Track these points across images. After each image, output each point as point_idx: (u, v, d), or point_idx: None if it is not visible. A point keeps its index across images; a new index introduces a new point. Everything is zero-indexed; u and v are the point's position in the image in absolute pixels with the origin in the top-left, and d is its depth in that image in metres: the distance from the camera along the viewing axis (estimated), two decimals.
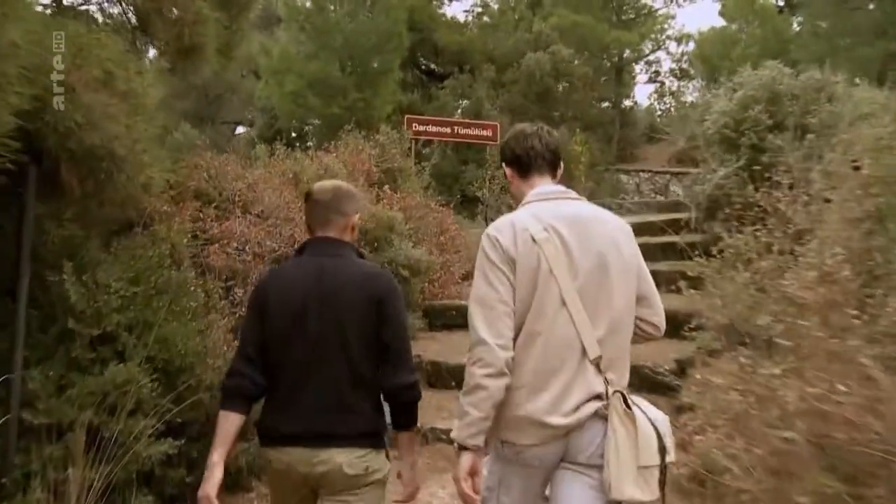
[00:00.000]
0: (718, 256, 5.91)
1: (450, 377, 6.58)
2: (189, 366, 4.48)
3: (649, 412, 2.45)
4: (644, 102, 32.82)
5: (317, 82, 16.73)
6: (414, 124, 15.22)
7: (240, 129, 23.03)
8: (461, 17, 25.12)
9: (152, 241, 4.64)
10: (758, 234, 5.69)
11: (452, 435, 2.52)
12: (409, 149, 12.11)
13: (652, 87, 35.33)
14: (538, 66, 17.99)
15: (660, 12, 23.74)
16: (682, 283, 5.85)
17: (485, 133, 15.54)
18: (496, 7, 24.75)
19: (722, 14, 26.73)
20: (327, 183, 2.97)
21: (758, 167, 8.49)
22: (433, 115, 17.31)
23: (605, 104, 22.93)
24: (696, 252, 6.86)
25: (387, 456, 2.77)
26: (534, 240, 2.46)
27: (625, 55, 23.41)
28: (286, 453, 2.64)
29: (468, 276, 10.22)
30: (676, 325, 5.89)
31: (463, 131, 15.69)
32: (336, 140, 10.37)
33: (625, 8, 22.49)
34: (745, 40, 23.61)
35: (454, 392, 6.47)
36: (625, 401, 2.41)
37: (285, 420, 2.65)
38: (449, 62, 20.80)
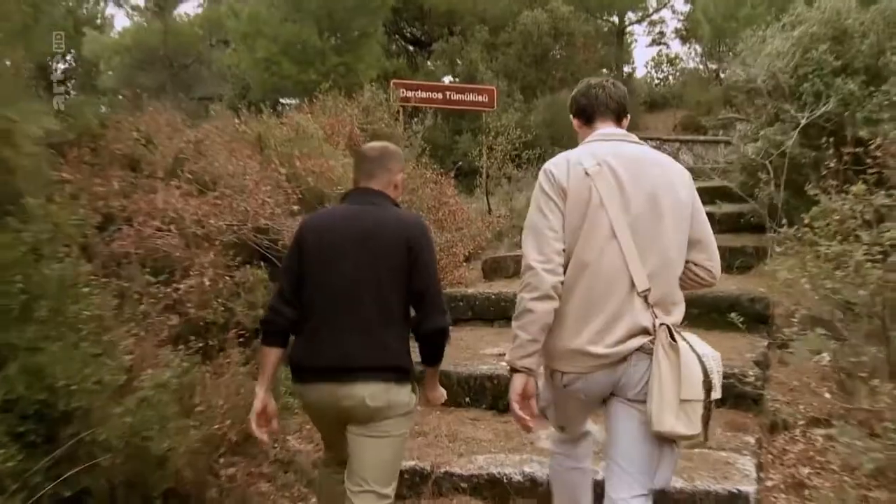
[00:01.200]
0: (803, 229, 4.96)
1: (463, 391, 5.03)
2: (79, 411, 2.91)
3: (698, 347, 2.47)
4: (642, 71, 31.13)
5: (291, 47, 15.02)
6: (401, 90, 13.62)
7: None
8: None
9: (22, 222, 3.04)
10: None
11: (505, 358, 2.85)
12: (398, 114, 10.47)
13: (651, 54, 33.62)
14: (536, 25, 16.31)
15: None
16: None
17: (480, 98, 13.86)
18: None
19: None
20: (377, 143, 3.13)
21: (824, 120, 7.00)
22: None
23: (605, 71, 21.29)
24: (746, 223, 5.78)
25: (413, 390, 2.86)
26: (586, 173, 2.52)
27: (626, 15, 21.72)
28: (314, 389, 2.80)
29: (472, 258, 8.83)
30: (732, 312, 5.38)
31: (456, 97, 13.99)
32: (312, 101, 8.75)
33: None
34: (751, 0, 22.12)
35: (470, 412, 4.98)
36: (671, 334, 2.45)
37: (314, 355, 2.78)
38: (437, 25, 18.96)
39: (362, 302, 2.75)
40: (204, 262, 4.29)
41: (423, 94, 14.05)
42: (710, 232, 2.65)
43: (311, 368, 2.80)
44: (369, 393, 2.70)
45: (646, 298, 2.47)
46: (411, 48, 21.81)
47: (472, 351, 5.74)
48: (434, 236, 7.19)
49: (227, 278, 4.48)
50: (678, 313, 2.57)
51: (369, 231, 2.79)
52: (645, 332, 2.47)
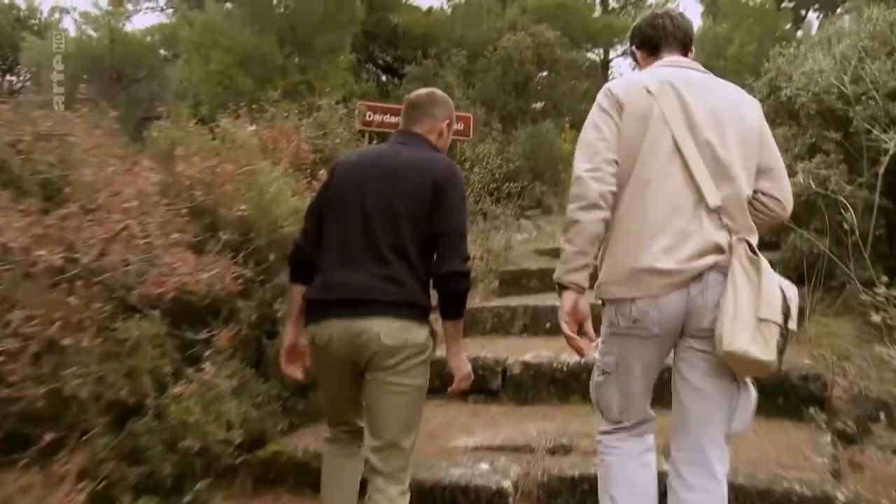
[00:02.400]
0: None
1: None
2: None
3: (779, 279, 2.33)
4: None
5: (249, 59, 13.56)
6: (367, 113, 12.22)
7: None
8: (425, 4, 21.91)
9: None
10: None
11: (554, 277, 2.45)
12: (361, 135, 9.04)
13: None
14: (518, 50, 15.00)
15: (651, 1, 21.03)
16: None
17: (456, 126, 12.54)
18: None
19: (708, 14, 24.52)
20: (425, 89, 3.09)
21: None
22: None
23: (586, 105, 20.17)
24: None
25: (431, 334, 2.72)
26: (648, 91, 2.41)
27: (612, 47, 20.62)
28: (327, 326, 2.66)
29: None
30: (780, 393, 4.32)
31: None
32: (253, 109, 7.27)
33: None
34: (740, 37, 21.20)
35: None
36: (751, 248, 2.30)
37: (329, 290, 2.68)
38: (410, 48, 17.60)
39: (381, 237, 2.66)
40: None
41: (393, 119, 12.64)
42: (781, 160, 2.53)
43: (323, 302, 2.69)
44: (385, 329, 2.59)
45: (719, 215, 2.34)
46: (383, 76, 20.50)
47: (440, 443, 4.20)
48: None
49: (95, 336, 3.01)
50: (754, 240, 2.38)
51: (395, 167, 2.74)
52: (719, 250, 2.32)
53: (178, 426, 3.35)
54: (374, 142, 12.39)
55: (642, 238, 2.33)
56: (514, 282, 8.04)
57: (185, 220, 3.74)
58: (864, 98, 5.68)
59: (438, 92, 3.04)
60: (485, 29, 17.81)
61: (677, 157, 2.35)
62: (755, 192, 2.44)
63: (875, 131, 5.51)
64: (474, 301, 8.15)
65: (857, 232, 5.20)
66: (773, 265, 5.71)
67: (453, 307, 2.72)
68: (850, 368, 4.87)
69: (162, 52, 18.90)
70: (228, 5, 14.32)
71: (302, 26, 14.16)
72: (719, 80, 2.57)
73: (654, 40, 2.65)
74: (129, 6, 18.97)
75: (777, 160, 2.50)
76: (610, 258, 2.41)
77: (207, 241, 4.14)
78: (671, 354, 2.52)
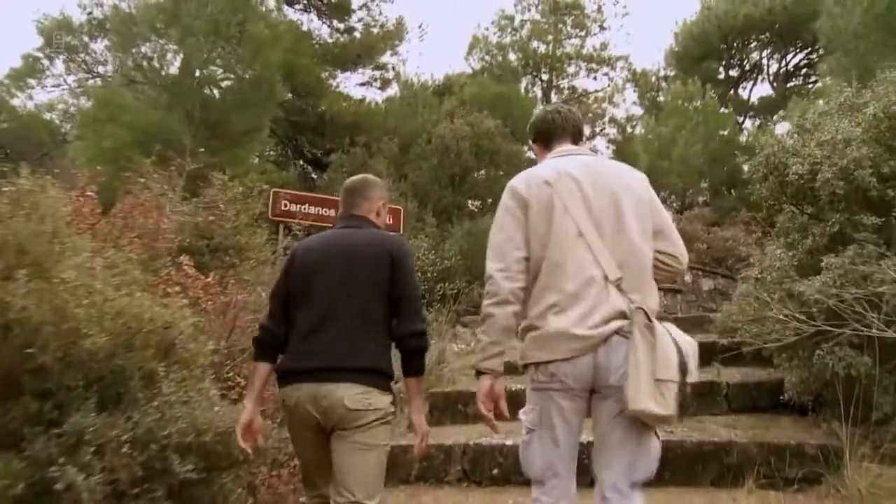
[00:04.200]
0: None
1: None
2: None
3: (675, 334, 2.57)
4: None
5: (151, 138, 11.82)
6: (282, 202, 10.63)
7: None
8: (356, 94, 20.65)
9: None
10: None
11: (471, 365, 3.04)
12: (256, 217, 7.33)
13: None
14: (455, 139, 13.66)
15: (598, 94, 20.18)
16: None
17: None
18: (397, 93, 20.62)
19: (650, 114, 24.06)
20: (359, 175, 3.33)
21: None
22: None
23: None
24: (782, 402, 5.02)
25: (394, 403, 2.93)
26: (547, 183, 2.67)
27: None
28: (296, 389, 2.84)
29: None
30: None
31: None
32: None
33: (560, 86, 18.68)
34: (685, 138, 20.54)
35: None
36: (646, 316, 2.53)
37: (298, 359, 2.87)
38: (338, 136, 16.07)
39: (346, 311, 2.87)
40: None
41: (312, 209, 11.03)
42: (671, 222, 2.82)
43: (294, 371, 2.86)
44: (348, 394, 2.76)
45: (619, 286, 2.58)
46: (310, 168, 19.01)
47: None
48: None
49: None
50: (653, 300, 2.65)
51: (354, 247, 2.98)
52: (622, 315, 2.56)
53: None
54: (287, 234, 10.81)
55: (559, 310, 2.58)
56: (449, 406, 6.31)
57: None
58: None
59: (370, 176, 3.30)
60: (420, 121, 16.55)
61: (581, 239, 2.61)
62: (655, 251, 2.72)
63: None
64: (395, 436, 6.44)
65: None
66: (775, 389, 4.93)
67: (414, 364, 2.97)
68: None
69: (67, 128, 17.13)
70: (135, 75, 12.62)
71: (214, 103, 12.61)
72: (609, 161, 2.99)
73: (546, 134, 2.93)
74: (32, 81, 17.16)
75: (667, 223, 2.79)
76: (531, 330, 2.64)
77: None
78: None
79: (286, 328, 2.95)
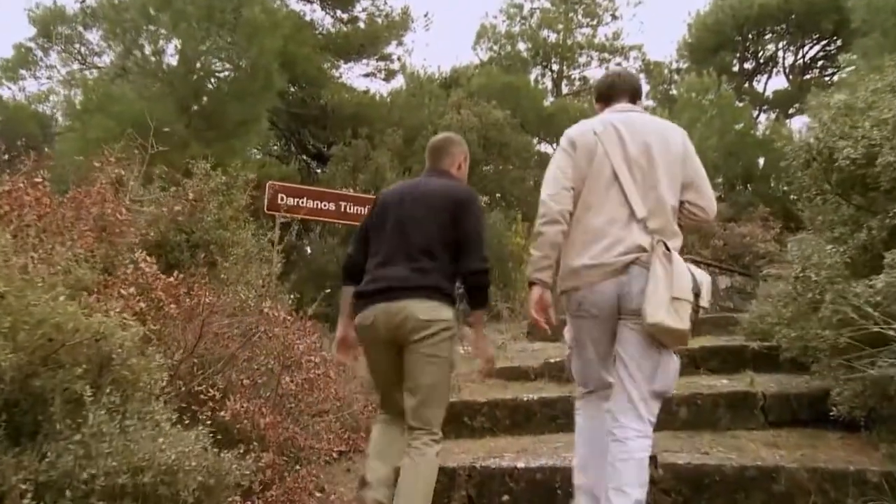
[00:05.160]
0: None
1: None
2: None
3: (691, 266, 3.02)
4: None
5: (142, 129, 11.24)
6: (280, 196, 10.00)
7: None
8: (360, 85, 19.92)
9: None
10: None
11: (526, 276, 3.29)
12: (242, 210, 6.72)
13: None
14: (462, 131, 12.99)
15: None
16: None
17: None
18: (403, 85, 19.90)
19: (663, 107, 23.32)
20: (442, 133, 3.96)
21: None
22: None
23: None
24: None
25: (456, 317, 3.35)
26: (594, 132, 3.18)
27: None
28: (372, 309, 3.32)
29: (349, 457, 4.97)
30: None
31: (354, 210, 10.40)
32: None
33: (571, 77, 17.96)
34: (700, 131, 19.82)
35: None
36: (665, 246, 2.96)
37: (374, 282, 3.36)
38: (340, 128, 15.40)
39: (414, 244, 3.35)
40: None
41: (310, 204, 10.36)
42: (704, 176, 3.23)
43: (368, 292, 3.35)
44: (418, 307, 3.23)
45: (644, 225, 3.02)
46: (314, 163, 18.33)
47: None
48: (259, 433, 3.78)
49: None
50: (676, 242, 3.07)
51: (426, 192, 3.49)
52: (642, 249, 2.98)
53: None
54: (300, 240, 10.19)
55: (585, 245, 3.07)
56: (453, 419, 5.63)
57: None
58: None
59: (452, 134, 3.93)
60: (426, 113, 15.89)
61: (616, 182, 3.07)
62: (683, 202, 3.16)
63: None
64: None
65: None
66: (817, 401, 4.66)
67: (476, 299, 3.40)
68: None
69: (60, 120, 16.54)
70: (127, 63, 12.00)
71: (209, 93, 12.00)
72: (651, 117, 3.37)
73: (607, 94, 3.42)
74: (25, 72, 16.57)
75: (700, 175, 3.20)
76: (563, 261, 3.15)
77: None
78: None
79: (366, 257, 3.50)
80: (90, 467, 2.42)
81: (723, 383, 5.73)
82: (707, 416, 5.19)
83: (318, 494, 3.85)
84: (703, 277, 3.02)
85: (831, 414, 4.58)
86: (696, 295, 2.93)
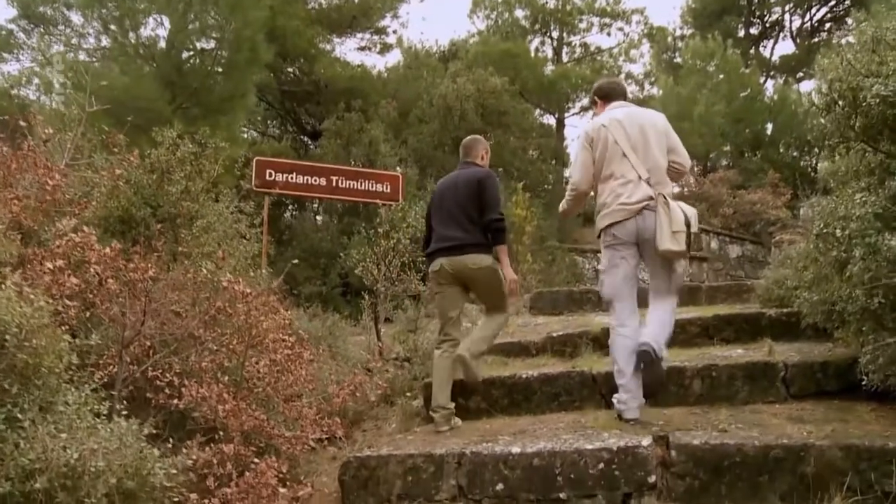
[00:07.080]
0: None
1: None
2: None
3: (682, 205, 4.35)
4: None
5: (121, 107, 10.76)
6: (268, 171, 9.52)
7: None
8: (355, 59, 19.29)
9: None
10: None
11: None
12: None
13: None
14: (458, 100, 12.45)
15: (612, 50, 18.77)
16: None
17: (380, 188, 9.89)
18: (400, 61, 19.28)
19: (668, 73, 22.69)
20: (469, 137, 5.44)
21: None
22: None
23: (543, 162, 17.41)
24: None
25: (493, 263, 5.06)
26: (604, 126, 4.49)
27: (570, 102, 18.16)
28: (439, 260, 5.04)
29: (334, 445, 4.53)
30: None
31: (346, 184, 9.89)
32: None
33: (571, 43, 17.30)
34: (706, 97, 19.20)
35: None
36: (664, 197, 4.29)
37: (438, 243, 5.07)
38: (333, 102, 14.84)
39: (459, 215, 4.99)
40: None
41: (300, 179, 9.87)
42: (679, 142, 4.61)
43: (436, 251, 5.06)
44: (470, 260, 4.95)
45: (648, 182, 4.36)
46: (307, 139, 17.81)
47: None
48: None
49: None
50: (668, 190, 4.44)
51: (461, 178, 5.11)
52: (650, 198, 4.32)
53: None
54: (290, 218, 9.68)
55: (616, 195, 4.41)
56: None
57: None
58: None
59: (477, 136, 5.47)
60: (423, 85, 15.33)
61: (625, 159, 4.41)
62: (669, 161, 4.52)
63: None
64: (386, 427, 5.44)
65: None
66: (844, 370, 4.63)
67: (497, 237, 5.01)
68: None
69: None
70: (106, 41, 11.49)
71: (193, 68, 11.49)
72: (642, 109, 4.74)
73: (609, 95, 4.78)
74: (7, 55, 16.04)
75: (677, 142, 4.59)
76: (601, 210, 4.50)
77: None
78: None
79: (431, 230, 5.18)
80: None
81: (738, 353, 5.26)
82: (723, 389, 4.74)
83: (281, 490, 3.37)
84: (690, 211, 4.35)
85: (862, 383, 4.10)
86: (688, 225, 4.24)
